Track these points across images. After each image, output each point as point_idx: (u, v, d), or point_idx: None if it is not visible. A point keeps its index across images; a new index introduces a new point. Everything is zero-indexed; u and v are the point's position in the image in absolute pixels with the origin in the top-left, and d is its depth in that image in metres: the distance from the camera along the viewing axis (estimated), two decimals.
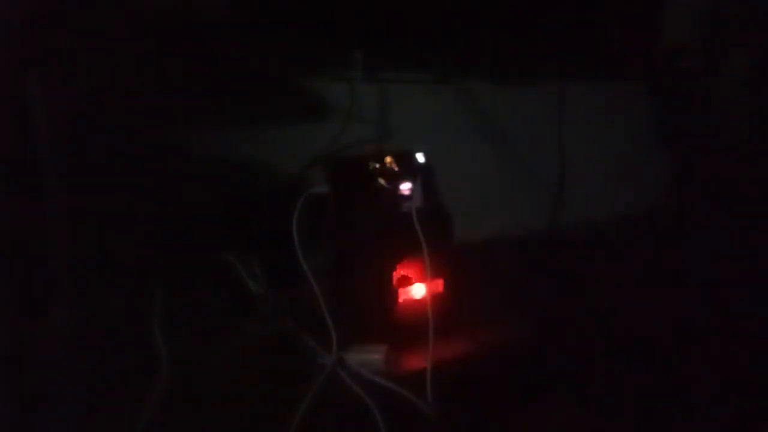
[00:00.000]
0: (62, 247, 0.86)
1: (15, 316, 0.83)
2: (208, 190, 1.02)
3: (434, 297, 0.92)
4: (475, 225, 1.15)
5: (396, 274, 0.90)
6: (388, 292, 0.89)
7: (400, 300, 0.90)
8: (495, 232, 1.28)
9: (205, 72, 1.00)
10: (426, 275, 0.91)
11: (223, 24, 1.01)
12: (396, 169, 0.95)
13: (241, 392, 0.78)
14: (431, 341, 0.85)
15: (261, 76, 1.06)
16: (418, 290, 0.92)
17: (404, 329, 0.90)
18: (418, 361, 0.85)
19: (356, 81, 1.15)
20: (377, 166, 0.94)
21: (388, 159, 0.95)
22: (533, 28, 1.30)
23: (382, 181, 0.94)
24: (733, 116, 1.51)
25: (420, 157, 0.99)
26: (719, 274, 1.21)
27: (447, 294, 0.95)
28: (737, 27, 1.50)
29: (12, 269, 0.84)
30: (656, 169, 1.59)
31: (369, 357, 0.84)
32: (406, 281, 0.91)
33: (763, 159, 1.44)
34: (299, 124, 1.12)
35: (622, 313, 1.08)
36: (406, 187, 0.95)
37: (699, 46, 1.53)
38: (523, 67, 1.34)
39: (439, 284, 0.94)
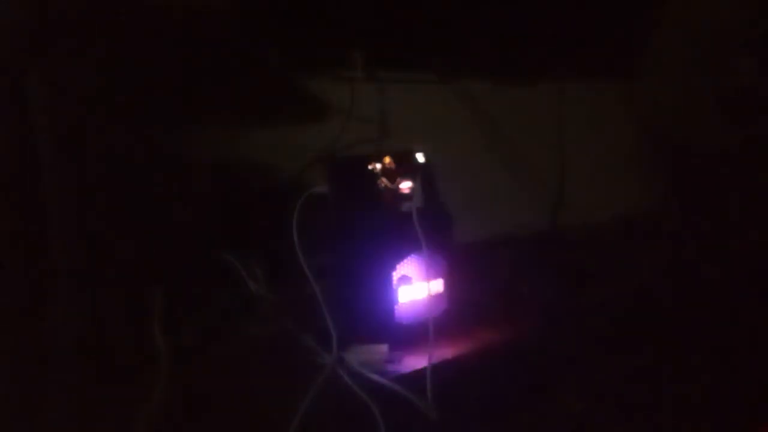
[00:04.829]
0: (62, 247, 0.86)
1: (15, 316, 0.83)
2: (208, 190, 1.02)
3: (434, 297, 0.93)
4: (475, 225, 1.15)
5: (396, 274, 0.90)
6: (388, 292, 0.89)
7: (400, 300, 0.90)
8: (495, 232, 1.28)
9: (205, 72, 1.00)
10: (426, 275, 0.91)
11: (223, 23, 1.01)
12: (396, 169, 0.95)
13: (241, 392, 0.78)
14: (431, 341, 0.85)
15: (261, 76, 1.06)
16: (418, 290, 0.92)
17: (404, 329, 0.90)
18: (418, 361, 0.85)
19: (356, 81, 1.15)
20: (377, 166, 0.94)
21: (388, 159, 0.95)
22: (533, 28, 1.30)
23: (382, 180, 0.94)
24: (732, 117, 1.51)
25: (420, 157, 0.99)
26: (719, 273, 1.21)
27: (447, 294, 0.95)
28: (738, 30, 1.50)
29: (12, 269, 0.84)
30: (656, 170, 1.59)
31: (369, 357, 0.84)
32: (406, 281, 0.91)
33: (762, 159, 1.44)
34: (299, 124, 1.12)
35: (623, 313, 1.08)
36: (406, 187, 0.95)
37: (700, 47, 1.53)
38: (523, 67, 1.34)
39: (439, 284, 0.94)
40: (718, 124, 1.52)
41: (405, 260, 0.90)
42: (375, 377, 0.80)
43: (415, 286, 0.91)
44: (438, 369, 0.83)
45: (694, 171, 1.55)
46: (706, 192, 1.51)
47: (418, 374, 0.82)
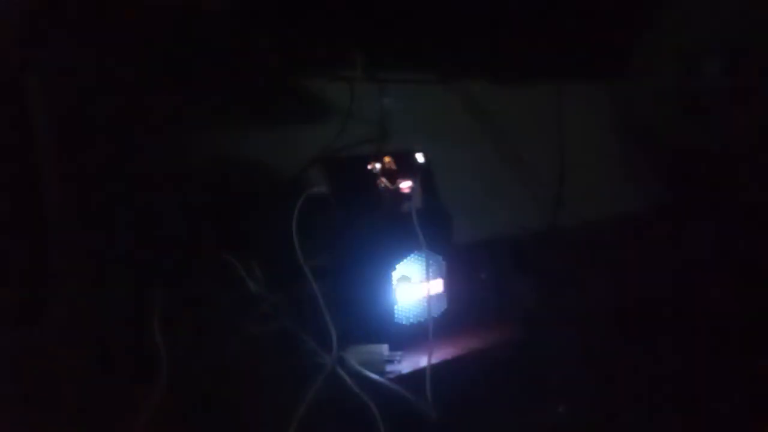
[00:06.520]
0: (62, 247, 0.86)
1: (15, 316, 0.83)
2: (209, 190, 1.02)
3: (434, 297, 0.93)
4: (475, 225, 1.15)
5: (396, 274, 0.90)
6: (388, 292, 0.89)
7: (400, 300, 0.90)
8: (494, 232, 1.28)
9: (205, 71, 1.00)
10: (426, 275, 0.91)
11: (223, 24, 1.01)
12: (396, 169, 0.95)
13: (241, 392, 0.78)
14: (431, 341, 0.85)
15: (261, 76, 1.06)
16: (418, 290, 0.92)
17: (404, 329, 0.90)
18: (418, 361, 0.85)
19: (356, 81, 1.14)
20: (377, 166, 0.94)
21: (388, 159, 0.95)
22: (532, 28, 1.30)
23: (382, 181, 0.94)
24: (731, 117, 1.51)
25: (420, 157, 0.99)
26: (718, 273, 1.21)
27: (447, 294, 0.95)
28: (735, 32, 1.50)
29: (12, 268, 0.84)
30: (655, 169, 1.59)
31: (369, 357, 0.84)
32: (406, 281, 0.91)
33: (761, 159, 1.45)
34: (299, 124, 1.12)
35: (621, 313, 1.08)
36: (406, 187, 0.95)
37: (699, 48, 1.53)
38: (523, 67, 1.34)
39: (439, 284, 0.94)
40: (717, 124, 1.52)
41: (405, 260, 0.90)
42: (375, 377, 0.81)
43: (415, 286, 0.91)
44: (438, 369, 0.83)
45: (691, 171, 1.55)
46: (703, 191, 1.51)
47: (418, 374, 0.82)
